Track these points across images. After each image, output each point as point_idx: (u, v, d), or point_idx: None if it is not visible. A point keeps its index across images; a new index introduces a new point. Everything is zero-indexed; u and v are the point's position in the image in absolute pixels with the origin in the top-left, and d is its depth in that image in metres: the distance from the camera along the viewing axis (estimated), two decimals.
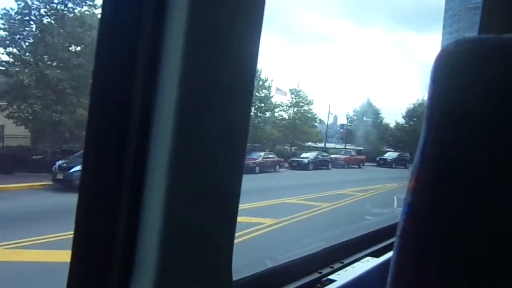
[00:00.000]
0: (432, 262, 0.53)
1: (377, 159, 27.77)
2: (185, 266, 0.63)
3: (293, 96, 27.43)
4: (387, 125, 32.36)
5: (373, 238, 1.55)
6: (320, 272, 1.33)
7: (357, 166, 26.56)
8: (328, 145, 29.23)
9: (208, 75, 0.59)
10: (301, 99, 27.50)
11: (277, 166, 20.67)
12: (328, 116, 30.01)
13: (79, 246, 0.60)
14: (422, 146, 0.54)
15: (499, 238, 0.50)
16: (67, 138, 14.82)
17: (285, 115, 27.06)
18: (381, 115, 32.31)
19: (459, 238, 0.51)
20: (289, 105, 27.13)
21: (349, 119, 30.95)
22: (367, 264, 1.44)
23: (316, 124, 28.80)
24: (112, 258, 0.59)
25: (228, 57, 0.61)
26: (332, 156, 25.77)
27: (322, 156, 24.56)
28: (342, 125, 31.60)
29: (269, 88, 24.62)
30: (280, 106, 26.50)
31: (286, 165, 21.89)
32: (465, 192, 0.51)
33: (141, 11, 0.55)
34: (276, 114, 26.31)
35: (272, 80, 24.67)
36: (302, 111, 27.41)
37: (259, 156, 19.73)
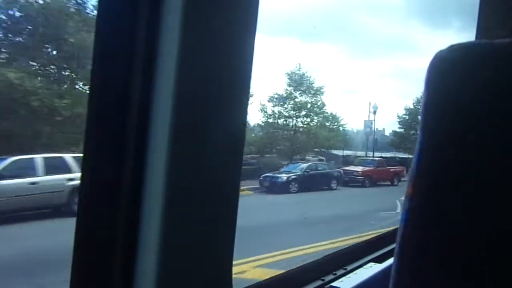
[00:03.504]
0: (432, 267, 0.53)
1: None
2: (185, 272, 0.63)
3: (289, 82, 19.15)
4: None
5: (376, 243, 1.54)
6: (323, 280, 1.32)
7: (389, 183, 16.82)
8: (360, 153, 21.17)
9: (204, 75, 0.60)
10: (303, 87, 19.16)
11: None
12: (369, 117, 22.15)
13: (79, 251, 0.59)
14: (417, 153, 0.54)
15: (498, 240, 0.50)
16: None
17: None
18: None
19: (459, 242, 0.52)
20: (284, 96, 19.20)
21: (400, 121, 22.79)
22: (370, 270, 1.42)
23: (337, 125, 21.10)
24: (112, 263, 0.59)
25: (224, 57, 0.62)
26: (347, 168, 16.75)
27: (318, 168, 14.73)
28: (367, 122, 22.20)
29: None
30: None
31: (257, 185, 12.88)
32: (462, 197, 0.52)
33: (136, 12, 0.56)
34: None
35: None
36: (307, 104, 19.33)
37: None
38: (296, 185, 13.15)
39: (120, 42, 0.57)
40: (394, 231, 0.68)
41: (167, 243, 0.59)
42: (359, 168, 16.74)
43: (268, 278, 1.24)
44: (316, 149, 19.83)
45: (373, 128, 22.37)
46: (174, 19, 0.56)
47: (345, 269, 1.40)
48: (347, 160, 19.08)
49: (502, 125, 0.50)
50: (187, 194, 0.61)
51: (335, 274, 1.36)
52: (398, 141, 22.87)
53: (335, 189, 14.40)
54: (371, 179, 16.42)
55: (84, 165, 0.58)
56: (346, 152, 21.05)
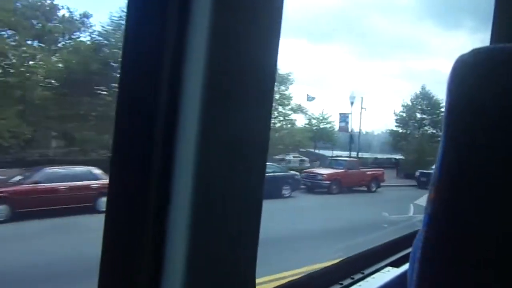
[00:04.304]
0: (456, 272, 0.52)
1: (417, 174, 15.18)
2: (211, 276, 0.63)
3: None
4: None
5: (393, 247, 1.53)
6: (341, 284, 1.31)
7: (365, 189, 13.82)
8: (341, 153, 18.35)
9: (230, 78, 0.61)
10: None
11: None
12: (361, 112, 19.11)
13: (107, 254, 0.60)
14: (441, 157, 0.54)
15: None
16: None
17: None
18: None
19: (483, 247, 0.51)
20: None
21: (397, 118, 20.28)
22: (388, 274, 1.42)
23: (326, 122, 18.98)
24: (139, 269, 0.59)
25: (249, 59, 0.63)
26: (309, 171, 13.71)
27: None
28: (343, 116, 19.50)
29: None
30: None
31: None
32: (485, 202, 0.51)
33: (164, 18, 0.56)
34: None
35: None
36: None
37: None
38: None
39: (148, 45, 0.58)
40: (410, 235, 0.67)
41: (194, 249, 0.59)
42: (324, 171, 13.41)
43: (286, 283, 1.24)
44: (302, 149, 17.69)
45: (349, 123, 19.52)
46: (200, 23, 0.56)
47: (363, 273, 1.39)
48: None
49: None
50: (214, 198, 0.61)
51: (352, 278, 1.36)
52: (394, 140, 20.17)
53: (287, 197, 11.40)
54: (340, 184, 13.08)
55: (112, 168, 0.58)
56: (337, 153, 18.49)
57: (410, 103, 20.13)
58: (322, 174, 13.16)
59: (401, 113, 20.44)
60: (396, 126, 20.29)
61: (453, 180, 0.53)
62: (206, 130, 0.58)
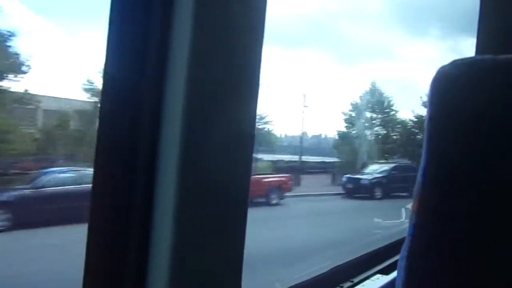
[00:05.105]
0: (441, 280, 0.53)
1: (344, 179, 12.48)
2: (197, 274, 0.62)
3: None
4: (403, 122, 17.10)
5: (382, 254, 1.53)
6: None
7: (263, 200, 9.15)
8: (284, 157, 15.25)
9: (214, 75, 0.61)
10: None
11: None
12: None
13: (92, 256, 0.59)
14: (423, 168, 0.55)
15: (507, 254, 0.50)
16: None
17: None
18: (393, 107, 17.26)
19: (466, 256, 0.52)
20: None
21: (346, 118, 17.54)
22: (377, 282, 1.41)
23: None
24: (125, 266, 0.58)
25: (233, 59, 0.63)
26: None
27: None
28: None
29: None
30: None
31: None
32: (469, 211, 0.52)
33: (148, 15, 0.57)
34: None
35: None
36: None
37: None
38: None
39: (131, 45, 0.58)
40: (399, 242, 0.67)
41: (179, 245, 0.58)
42: None
43: None
44: None
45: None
46: (185, 21, 0.57)
47: (352, 281, 1.38)
48: (275, 166, 13.13)
49: (509, 140, 0.51)
50: (198, 196, 0.61)
51: (341, 286, 1.35)
52: (340, 142, 17.08)
53: None
54: None
55: (96, 165, 0.58)
56: (279, 157, 15.16)
57: (359, 101, 17.48)
58: None
59: (350, 112, 17.68)
60: (345, 126, 17.56)
61: (437, 190, 0.53)
62: (191, 130, 0.58)
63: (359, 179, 12.11)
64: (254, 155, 0.68)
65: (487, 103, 0.52)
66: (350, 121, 17.51)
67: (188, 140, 0.58)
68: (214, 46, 0.60)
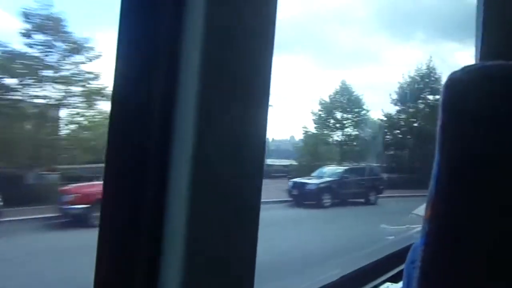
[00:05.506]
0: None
1: (291, 184, 10.51)
2: (209, 274, 0.61)
3: None
4: (375, 122, 16.02)
5: (391, 262, 1.51)
6: None
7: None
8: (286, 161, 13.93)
9: (225, 78, 0.61)
10: None
11: None
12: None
13: (104, 254, 0.58)
14: (436, 175, 0.54)
15: None
16: None
17: None
18: (364, 107, 15.72)
19: (482, 264, 0.51)
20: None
21: (315, 119, 15.84)
22: None
23: None
24: (137, 267, 0.58)
25: (244, 60, 0.64)
26: None
27: None
28: None
29: None
30: None
31: None
32: (482, 219, 0.51)
33: (159, 15, 0.58)
34: None
35: None
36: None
37: None
38: None
39: (142, 47, 0.58)
40: (408, 249, 0.67)
41: (191, 244, 0.58)
42: None
43: None
44: None
45: None
46: (195, 19, 0.57)
47: None
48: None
49: None
50: (210, 197, 0.61)
51: None
52: (302, 143, 15.15)
53: None
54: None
55: (107, 163, 0.58)
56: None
57: (328, 100, 15.88)
58: None
59: (319, 112, 16.15)
60: (315, 127, 15.88)
61: (452, 198, 0.53)
62: (203, 130, 0.58)
63: (306, 183, 10.22)
64: None
65: (499, 109, 0.52)
66: (318, 122, 15.98)
67: (200, 141, 0.58)
68: (225, 50, 0.61)
